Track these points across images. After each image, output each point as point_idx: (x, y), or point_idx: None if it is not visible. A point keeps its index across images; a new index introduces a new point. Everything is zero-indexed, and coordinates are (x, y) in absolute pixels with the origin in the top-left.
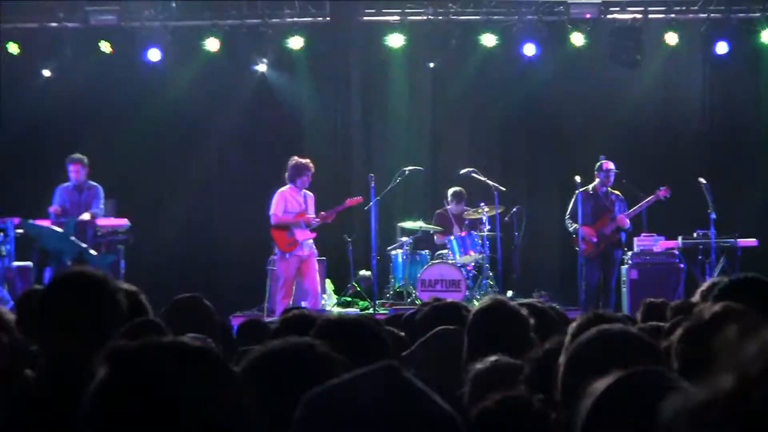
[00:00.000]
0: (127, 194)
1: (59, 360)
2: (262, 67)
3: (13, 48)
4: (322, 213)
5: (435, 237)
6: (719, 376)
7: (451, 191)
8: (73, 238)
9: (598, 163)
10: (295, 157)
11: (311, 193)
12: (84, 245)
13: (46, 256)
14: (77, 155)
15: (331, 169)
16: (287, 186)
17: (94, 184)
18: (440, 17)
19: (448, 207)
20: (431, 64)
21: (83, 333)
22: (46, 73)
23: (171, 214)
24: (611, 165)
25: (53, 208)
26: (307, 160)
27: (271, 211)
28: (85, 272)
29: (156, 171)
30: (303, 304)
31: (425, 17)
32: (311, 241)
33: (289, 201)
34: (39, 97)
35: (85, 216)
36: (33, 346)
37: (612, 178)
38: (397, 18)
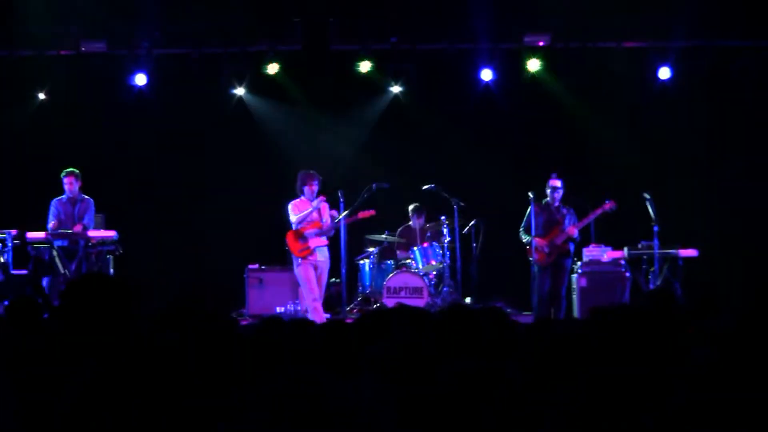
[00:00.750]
0: (116, 208)
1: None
2: (240, 91)
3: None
4: (333, 212)
5: (397, 252)
6: None
7: (410, 207)
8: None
9: (549, 180)
10: (302, 170)
11: (322, 197)
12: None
13: (44, 267)
14: (71, 169)
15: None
16: (298, 198)
17: (87, 197)
18: (404, 45)
19: (410, 222)
20: (397, 89)
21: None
22: (41, 95)
23: (156, 226)
24: (558, 183)
25: (52, 224)
26: (312, 171)
27: (293, 220)
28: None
29: (142, 187)
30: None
31: (389, 46)
32: (325, 248)
33: (299, 210)
34: (35, 117)
35: (77, 228)
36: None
37: (559, 194)
38: (363, 46)
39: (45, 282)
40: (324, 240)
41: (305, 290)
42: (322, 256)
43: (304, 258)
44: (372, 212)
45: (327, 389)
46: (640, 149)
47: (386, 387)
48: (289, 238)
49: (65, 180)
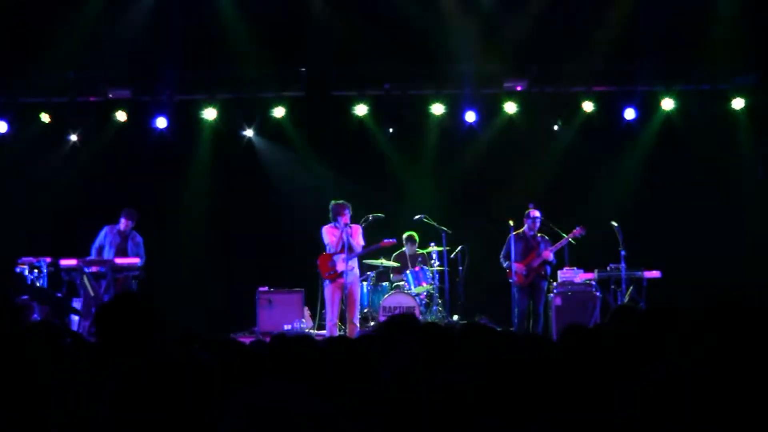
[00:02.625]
0: (141, 236)
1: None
2: (249, 133)
3: (45, 117)
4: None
5: (391, 275)
6: None
7: (404, 236)
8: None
9: (527, 211)
10: (334, 200)
11: (356, 225)
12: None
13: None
14: (131, 210)
15: (308, 215)
16: (329, 224)
17: (138, 235)
18: (396, 91)
19: (405, 249)
20: (390, 130)
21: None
22: (74, 137)
23: (176, 254)
24: (537, 213)
25: (95, 249)
26: (342, 201)
27: (326, 242)
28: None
29: (163, 217)
30: (285, 327)
31: (383, 91)
32: (356, 270)
33: (330, 235)
34: (67, 157)
35: (134, 260)
36: None
37: (538, 224)
38: (359, 92)
39: (77, 304)
40: (351, 263)
41: (327, 310)
42: (351, 276)
43: (331, 280)
44: (394, 241)
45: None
46: (609, 181)
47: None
48: (321, 261)
49: (123, 217)
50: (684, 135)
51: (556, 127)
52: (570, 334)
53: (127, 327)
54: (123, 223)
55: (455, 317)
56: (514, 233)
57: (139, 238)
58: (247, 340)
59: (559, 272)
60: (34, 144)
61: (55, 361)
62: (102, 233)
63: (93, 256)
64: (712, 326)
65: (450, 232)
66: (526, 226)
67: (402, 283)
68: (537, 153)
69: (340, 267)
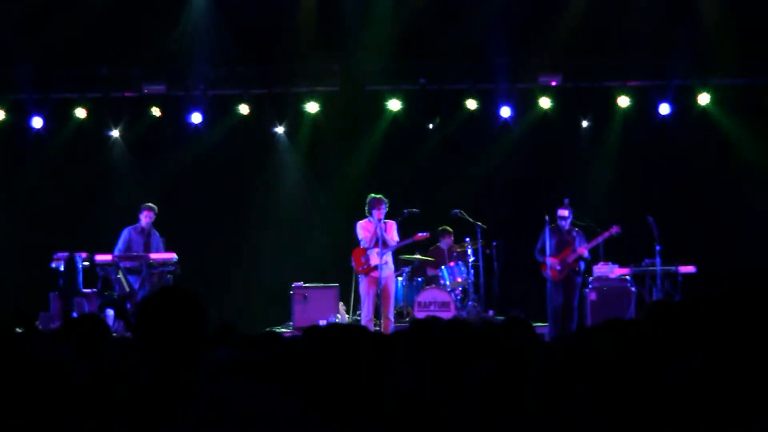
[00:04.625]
0: (175, 232)
1: (161, 363)
2: (282, 128)
3: (80, 113)
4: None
5: (427, 270)
6: None
7: (439, 229)
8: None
9: (557, 210)
10: (371, 194)
11: (391, 221)
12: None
13: (110, 286)
14: (151, 204)
15: (344, 209)
16: (365, 219)
17: (157, 233)
18: (432, 86)
19: (439, 243)
20: (430, 126)
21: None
22: (115, 133)
23: (211, 249)
24: (566, 212)
25: (119, 250)
26: (380, 195)
27: (360, 237)
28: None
29: (197, 211)
30: (320, 322)
31: (418, 86)
32: (391, 265)
33: (364, 230)
34: (105, 151)
35: (169, 255)
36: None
37: (567, 223)
38: (394, 87)
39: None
40: (385, 257)
41: (362, 305)
42: (386, 271)
43: (365, 274)
44: (427, 235)
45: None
46: (644, 176)
47: None
48: (355, 255)
49: (144, 212)
50: (719, 129)
51: (590, 123)
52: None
53: (172, 322)
54: (144, 220)
55: (490, 312)
56: (549, 228)
57: (157, 236)
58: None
59: (594, 267)
60: (70, 139)
61: (99, 354)
62: (124, 235)
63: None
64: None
65: (485, 227)
66: (559, 221)
67: (437, 277)
68: (572, 148)
69: (374, 261)
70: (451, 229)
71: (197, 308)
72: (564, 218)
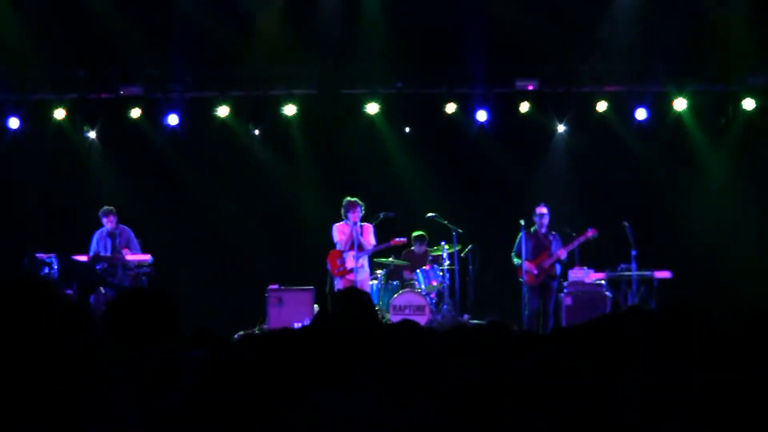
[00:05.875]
0: (151, 234)
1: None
2: (259, 130)
3: (59, 114)
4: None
5: (404, 273)
6: None
7: (414, 235)
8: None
9: (536, 208)
10: (347, 197)
11: (368, 224)
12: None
13: (88, 287)
14: (108, 207)
15: (320, 212)
16: (341, 221)
17: (125, 227)
18: (408, 90)
19: (413, 248)
20: (406, 129)
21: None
22: (92, 135)
23: (186, 250)
24: (544, 209)
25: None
26: (355, 198)
27: (336, 240)
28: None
29: (174, 213)
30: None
31: (395, 90)
32: (367, 268)
33: (340, 233)
34: (82, 153)
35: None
36: None
37: (545, 220)
38: (371, 91)
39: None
40: (361, 261)
41: None
42: (362, 274)
43: (341, 277)
44: (404, 240)
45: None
46: (620, 182)
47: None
48: (330, 258)
49: (104, 219)
50: (695, 135)
51: (567, 127)
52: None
53: (140, 323)
54: (109, 225)
55: (465, 316)
56: (525, 232)
57: (127, 232)
58: None
59: (569, 272)
60: (47, 141)
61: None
62: (93, 240)
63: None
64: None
65: (461, 231)
66: (536, 225)
67: (413, 281)
68: (548, 153)
69: (350, 263)
70: (426, 236)
71: (168, 310)
72: (543, 215)
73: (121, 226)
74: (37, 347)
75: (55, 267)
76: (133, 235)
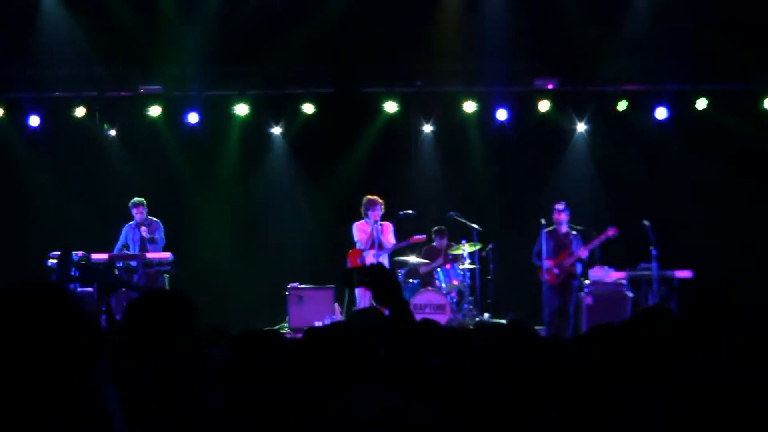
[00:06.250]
0: (172, 231)
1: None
2: (278, 129)
3: (80, 111)
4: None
5: (421, 267)
6: None
7: (434, 229)
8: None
9: (554, 205)
10: (367, 195)
11: (387, 223)
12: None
13: (108, 288)
14: (138, 199)
15: (340, 210)
16: (361, 220)
17: (154, 219)
18: (429, 88)
19: (434, 243)
20: (425, 128)
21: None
22: (112, 132)
23: (206, 248)
24: (561, 206)
25: (118, 248)
26: (375, 196)
27: (356, 239)
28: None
29: (193, 211)
30: (316, 323)
31: (415, 88)
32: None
33: (360, 232)
34: (102, 151)
35: (165, 255)
36: None
37: (564, 216)
38: (389, 89)
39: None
40: (381, 259)
41: (358, 307)
42: None
43: None
44: (423, 237)
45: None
46: (640, 181)
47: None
48: (350, 256)
49: (133, 210)
50: (716, 134)
51: (587, 126)
52: (597, 333)
53: (157, 323)
54: (138, 216)
55: (485, 315)
56: (546, 231)
57: (155, 222)
58: None
59: (590, 271)
60: (66, 138)
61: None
62: (123, 233)
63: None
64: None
65: (481, 229)
66: (556, 224)
67: (431, 273)
68: (568, 151)
69: (370, 262)
70: (446, 230)
71: (186, 311)
72: (560, 211)
73: (150, 218)
74: (36, 352)
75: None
76: (161, 225)
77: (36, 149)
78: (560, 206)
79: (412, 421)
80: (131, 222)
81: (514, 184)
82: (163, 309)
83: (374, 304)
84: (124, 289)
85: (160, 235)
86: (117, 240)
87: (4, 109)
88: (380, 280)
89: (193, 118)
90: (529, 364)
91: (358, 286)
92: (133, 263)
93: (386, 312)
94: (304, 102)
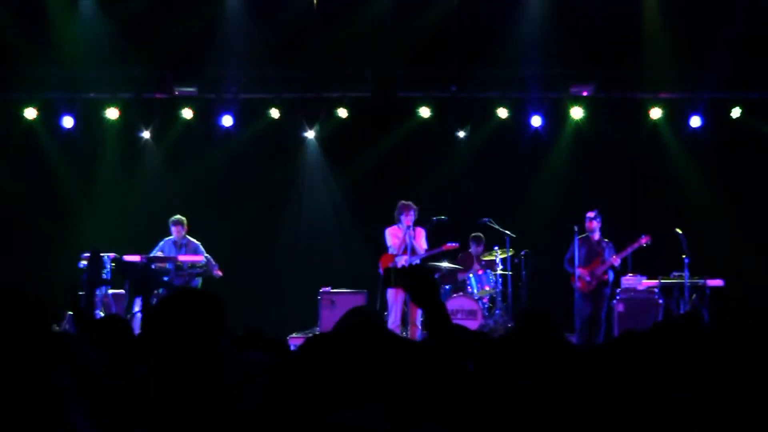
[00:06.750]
0: (205, 234)
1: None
2: (312, 133)
3: (112, 113)
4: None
5: (458, 275)
6: None
7: (472, 235)
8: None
9: (586, 214)
10: (401, 201)
11: (420, 228)
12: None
13: (137, 288)
14: (178, 217)
15: (373, 215)
16: (394, 225)
17: (193, 240)
18: (463, 94)
19: (470, 248)
20: (461, 133)
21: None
22: (146, 134)
23: (239, 251)
24: (592, 213)
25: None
26: (409, 202)
27: (389, 244)
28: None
29: (227, 214)
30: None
31: (449, 94)
32: None
33: (393, 237)
34: (136, 152)
35: (198, 258)
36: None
37: (595, 223)
38: (425, 94)
39: (138, 301)
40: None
41: (389, 312)
42: None
43: None
44: (457, 245)
45: None
46: (674, 189)
47: None
48: (383, 261)
49: (172, 228)
50: (749, 143)
51: (621, 133)
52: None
53: (185, 322)
54: (176, 234)
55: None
56: (578, 238)
57: (193, 244)
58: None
59: (622, 279)
60: (100, 139)
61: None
62: (158, 247)
63: None
64: None
65: (514, 236)
66: (588, 231)
67: (465, 281)
68: (603, 158)
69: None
70: (483, 237)
71: (214, 310)
72: (591, 219)
73: (188, 237)
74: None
75: (108, 267)
76: (200, 247)
77: (69, 150)
78: (592, 214)
79: None
80: (170, 238)
81: (548, 191)
82: (191, 308)
83: (409, 305)
84: (161, 290)
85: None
86: (152, 247)
87: (37, 110)
88: (418, 281)
89: (227, 120)
90: (562, 367)
91: (395, 286)
92: (169, 266)
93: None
94: (339, 106)
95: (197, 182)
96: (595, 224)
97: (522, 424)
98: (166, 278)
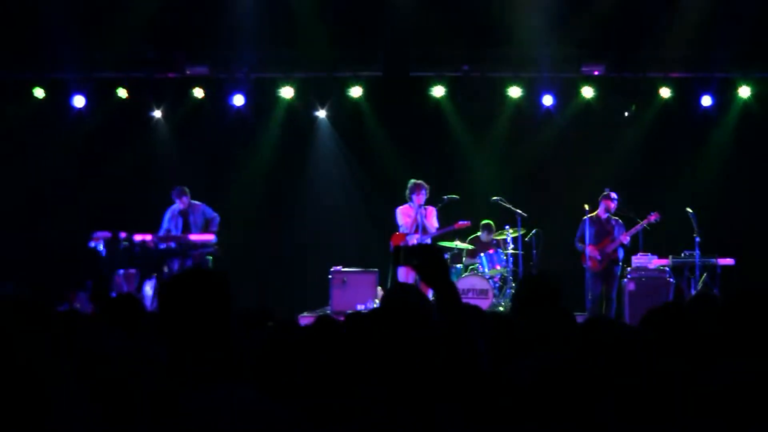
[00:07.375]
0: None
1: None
2: (324, 112)
3: (122, 93)
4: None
5: (464, 258)
6: None
7: (482, 223)
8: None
9: (606, 193)
10: (412, 179)
11: (431, 207)
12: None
13: (148, 268)
14: (181, 188)
15: (385, 194)
16: (405, 204)
17: (197, 203)
18: (475, 73)
19: (480, 235)
20: (470, 112)
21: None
22: (157, 114)
23: (250, 230)
24: (614, 194)
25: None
26: (421, 181)
27: (400, 223)
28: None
29: (238, 193)
30: (359, 307)
31: (461, 73)
32: None
33: (404, 216)
34: (148, 132)
35: (208, 237)
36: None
37: (613, 204)
38: (437, 73)
39: (152, 281)
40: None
41: None
42: None
43: None
44: (468, 223)
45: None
46: (684, 168)
47: None
48: (394, 240)
49: (176, 198)
50: (760, 122)
51: (631, 113)
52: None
53: (194, 304)
54: (179, 203)
55: None
56: (588, 217)
57: (201, 207)
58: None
59: (633, 258)
60: (112, 119)
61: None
62: (165, 218)
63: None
64: None
65: (525, 215)
66: (600, 209)
67: (475, 265)
68: (613, 138)
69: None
70: (493, 225)
71: (221, 290)
72: (613, 200)
73: (193, 202)
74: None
75: (120, 246)
76: (206, 207)
77: (80, 129)
78: (614, 194)
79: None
80: (173, 206)
81: (559, 170)
82: (198, 287)
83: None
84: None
85: (211, 216)
86: (159, 223)
87: (46, 90)
88: (428, 260)
89: (238, 100)
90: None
91: (404, 265)
92: (172, 245)
93: (429, 293)
94: (352, 85)
95: (208, 161)
96: (613, 205)
97: (536, 403)
98: (176, 259)
